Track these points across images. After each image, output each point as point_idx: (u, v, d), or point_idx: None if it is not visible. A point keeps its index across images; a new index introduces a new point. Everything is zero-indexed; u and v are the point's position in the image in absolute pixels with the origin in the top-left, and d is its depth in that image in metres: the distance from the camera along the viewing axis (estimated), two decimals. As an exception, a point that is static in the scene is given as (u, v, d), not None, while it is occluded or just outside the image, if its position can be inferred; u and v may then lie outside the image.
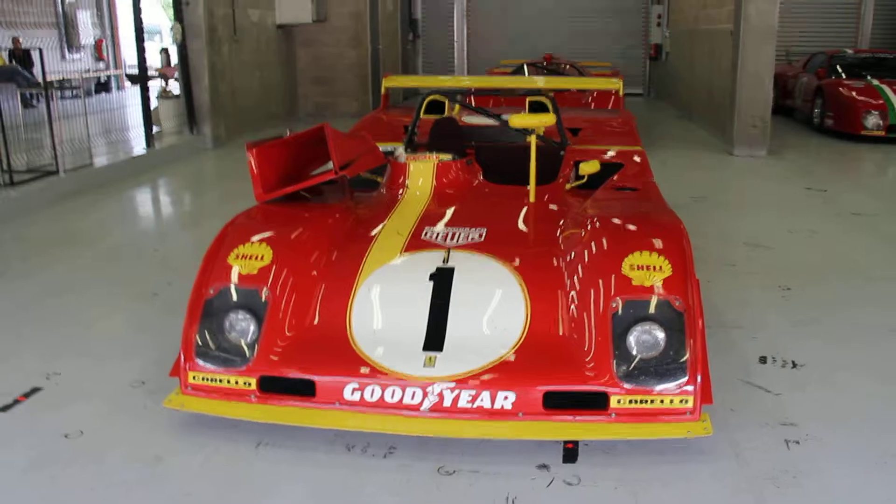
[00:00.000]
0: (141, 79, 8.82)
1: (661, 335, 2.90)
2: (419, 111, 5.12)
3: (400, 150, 4.98)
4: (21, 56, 13.80)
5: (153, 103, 9.48)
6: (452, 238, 3.50)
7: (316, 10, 11.30)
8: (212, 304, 3.17)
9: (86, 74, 15.01)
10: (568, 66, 10.32)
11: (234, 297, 3.17)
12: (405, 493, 2.66)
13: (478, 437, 2.81)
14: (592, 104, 8.89)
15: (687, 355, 2.85)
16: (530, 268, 3.26)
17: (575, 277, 3.16)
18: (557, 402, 2.83)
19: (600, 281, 3.05)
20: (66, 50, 15.33)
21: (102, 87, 15.65)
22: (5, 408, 3.31)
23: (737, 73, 8.56)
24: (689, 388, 2.81)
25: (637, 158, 4.67)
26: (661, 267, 3.05)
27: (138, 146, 8.74)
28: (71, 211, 6.76)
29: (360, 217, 3.83)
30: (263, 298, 3.15)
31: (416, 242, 3.48)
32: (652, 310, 2.94)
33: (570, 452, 2.85)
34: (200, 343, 3.10)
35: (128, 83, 15.67)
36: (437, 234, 3.54)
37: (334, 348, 3.04)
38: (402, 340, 3.03)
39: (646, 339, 2.90)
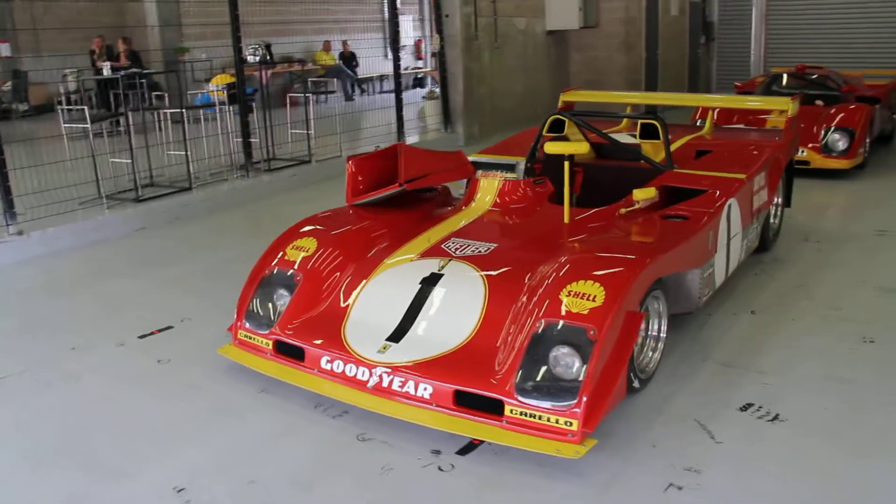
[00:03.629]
0: (395, 84, 10.10)
1: (571, 359, 3.15)
2: (542, 129, 5.49)
3: (521, 164, 5.46)
4: (348, 56, 16.26)
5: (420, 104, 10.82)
6: (463, 249, 3.97)
7: (584, 17, 11.74)
8: (265, 280, 4.07)
9: (404, 72, 17.12)
10: (827, 78, 9.44)
11: (278, 277, 4.04)
12: (320, 446, 3.32)
13: (394, 417, 3.33)
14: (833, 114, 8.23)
15: (582, 382, 3.07)
16: (501, 283, 3.63)
17: (528, 296, 3.48)
18: (467, 402, 3.24)
19: (541, 302, 3.35)
20: (388, 51, 17.55)
21: (419, 83, 17.67)
22: (143, 336, 4.57)
23: None
24: (576, 411, 3.03)
25: (725, 187, 4.58)
26: (594, 297, 3.25)
27: (391, 140, 10.06)
28: (304, 196, 8.19)
29: (417, 222, 4.44)
30: (295, 280, 3.98)
31: (433, 250, 4.02)
32: (567, 335, 3.19)
33: (470, 447, 3.25)
34: (250, 309, 4.02)
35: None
36: (454, 245, 4.03)
37: (329, 326, 3.76)
38: (375, 328, 3.65)
39: (561, 360, 3.18)
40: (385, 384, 3.40)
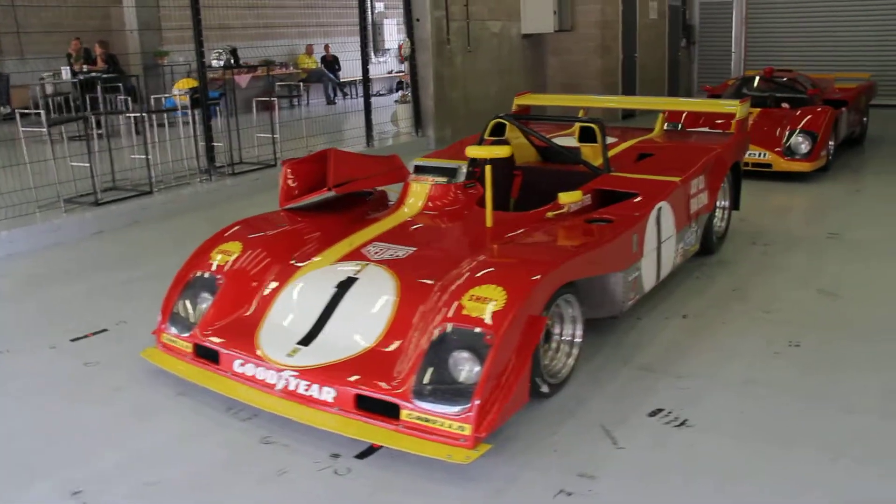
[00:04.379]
0: (364, 87, 10.14)
1: (469, 364, 3.15)
2: (484, 132, 5.50)
3: (463, 168, 5.45)
4: (330, 60, 16.27)
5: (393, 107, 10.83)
6: (382, 253, 3.97)
7: (559, 20, 11.76)
8: (189, 284, 4.08)
9: (386, 75, 17.16)
10: (795, 81, 9.41)
11: (201, 280, 4.04)
12: (223, 449, 3.32)
13: (296, 420, 3.32)
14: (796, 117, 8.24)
15: (476, 387, 3.06)
16: (411, 287, 3.63)
17: (436, 299, 3.47)
18: (368, 405, 3.24)
19: (446, 306, 3.35)
20: (372, 54, 17.57)
21: (400, 86, 17.67)
22: (75, 339, 4.57)
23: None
24: (469, 416, 3.03)
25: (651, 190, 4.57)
26: (495, 301, 3.25)
27: (360, 144, 10.07)
28: (265, 199, 8.09)
29: (346, 226, 4.43)
30: (217, 284, 3.98)
31: (353, 254, 4.01)
32: (466, 339, 3.19)
33: (370, 451, 3.24)
34: (174, 312, 4.03)
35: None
36: (374, 249, 4.02)
37: (246, 330, 3.75)
38: (288, 332, 3.65)
39: (459, 365, 3.17)
40: (292, 387, 3.40)
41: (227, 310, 3.91)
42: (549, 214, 4.36)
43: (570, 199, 4.31)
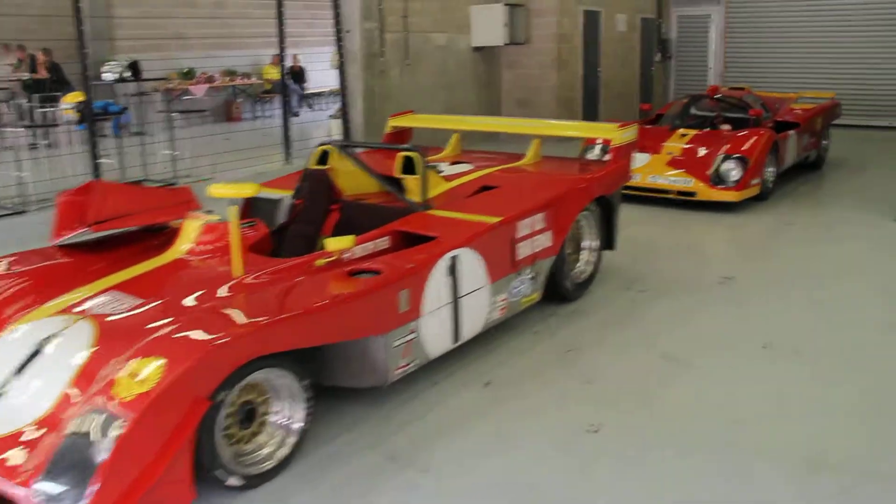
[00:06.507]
0: (283, 100, 9.62)
1: (99, 454, 2.58)
2: (309, 161, 4.91)
3: (287, 199, 4.86)
4: (297, 72, 15.81)
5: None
6: (105, 306, 3.39)
7: (510, 33, 11.11)
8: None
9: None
10: (742, 100, 8.62)
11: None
12: None
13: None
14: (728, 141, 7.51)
15: (97, 487, 2.49)
16: (102, 353, 3.04)
17: (110, 367, 2.89)
18: None
19: (105, 378, 2.79)
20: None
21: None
22: None
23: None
24: None
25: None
26: (147, 380, 2.67)
27: (279, 161, 9.53)
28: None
29: (110, 266, 3.86)
30: None
31: (77, 303, 3.44)
32: (103, 425, 2.62)
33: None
34: None
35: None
36: (104, 299, 3.45)
37: None
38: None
39: (95, 458, 2.59)
40: None
41: None
42: (320, 262, 3.74)
43: (337, 245, 3.68)
